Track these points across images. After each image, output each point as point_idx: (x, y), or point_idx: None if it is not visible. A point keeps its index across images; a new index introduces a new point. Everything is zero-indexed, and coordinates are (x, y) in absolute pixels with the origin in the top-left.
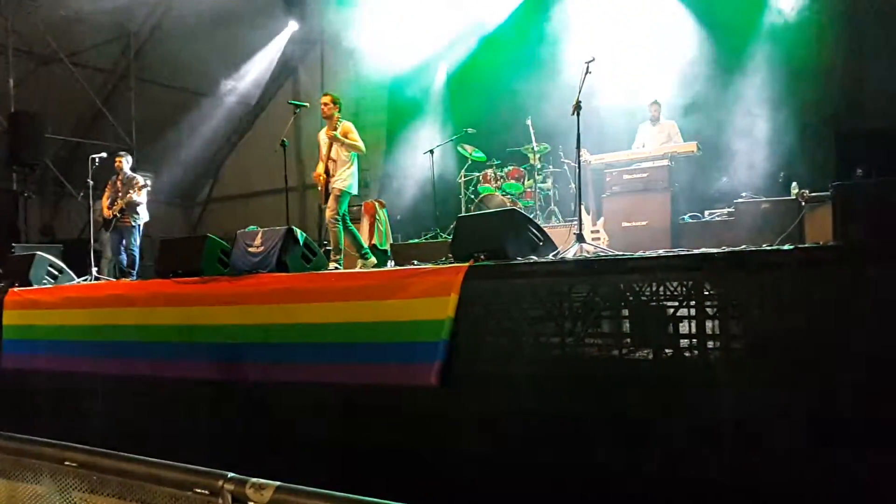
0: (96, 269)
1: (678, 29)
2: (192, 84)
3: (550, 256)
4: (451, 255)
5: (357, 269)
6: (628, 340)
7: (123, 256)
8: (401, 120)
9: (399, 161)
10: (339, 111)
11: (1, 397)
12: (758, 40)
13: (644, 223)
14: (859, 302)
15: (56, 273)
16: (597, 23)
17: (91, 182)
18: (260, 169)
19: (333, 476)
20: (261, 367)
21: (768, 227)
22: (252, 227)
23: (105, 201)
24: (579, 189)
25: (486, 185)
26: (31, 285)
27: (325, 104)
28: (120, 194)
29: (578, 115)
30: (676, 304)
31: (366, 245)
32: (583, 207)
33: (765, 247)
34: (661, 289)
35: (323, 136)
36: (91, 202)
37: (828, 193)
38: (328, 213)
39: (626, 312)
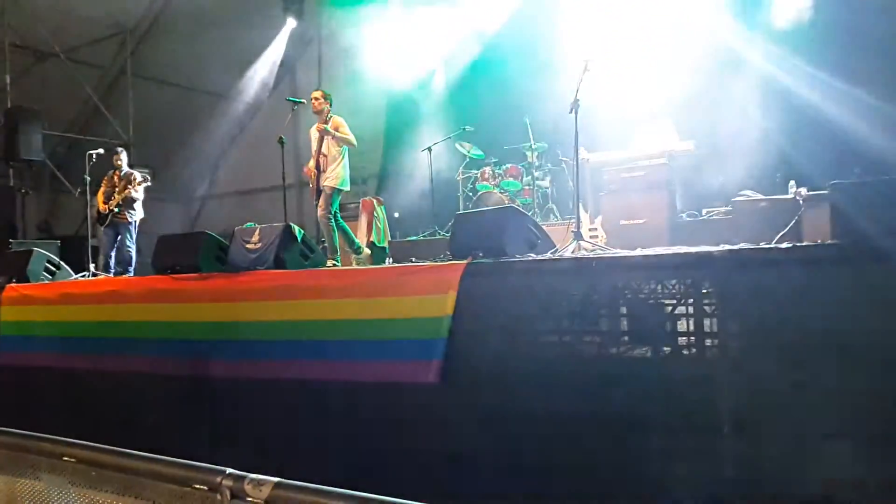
0: (94, 265)
1: (676, 26)
2: (190, 81)
3: (549, 254)
4: (449, 253)
5: (353, 266)
6: (626, 338)
7: (114, 252)
8: (399, 117)
9: (397, 158)
10: (330, 106)
11: None
12: (758, 37)
13: (642, 221)
14: (857, 300)
15: (53, 269)
16: (595, 20)
17: (88, 178)
18: (258, 166)
19: (332, 473)
20: (258, 364)
21: (766, 226)
22: (250, 223)
23: (101, 196)
24: (577, 187)
25: (485, 182)
26: (28, 281)
27: (316, 99)
28: (117, 189)
29: (577, 113)
30: (674, 302)
31: (358, 240)
32: (581, 205)
33: (763, 245)
34: (659, 287)
35: (314, 132)
36: (89, 198)
37: (826, 192)
38: (320, 212)
39: (624, 310)
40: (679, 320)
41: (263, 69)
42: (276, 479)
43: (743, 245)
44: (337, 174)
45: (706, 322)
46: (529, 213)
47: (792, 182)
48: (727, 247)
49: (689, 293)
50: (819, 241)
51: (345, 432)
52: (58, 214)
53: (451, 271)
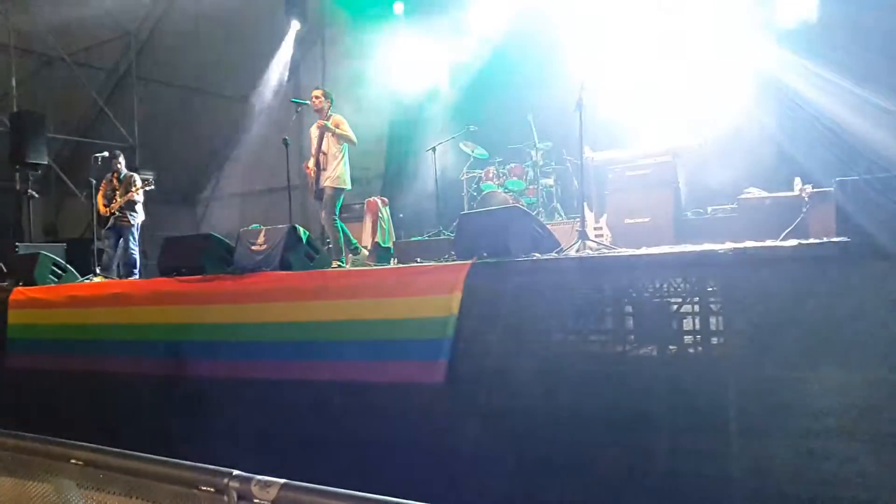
0: (99, 267)
1: (681, 24)
2: (194, 82)
3: (553, 254)
4: (453, 253)
5: (349, 266)
6: (632, 337)
7: (118, 255)
8: (403, 117)
9: (401, 159)
10: (331, 104)
11: (7, 396)
12: (763, 35)
13: (647, 220)
14: (864, 297)
15: (60, 272)
16: (600, 19)
17: (94, 181)
18: (262, 167)
19: (338, 474)
20: (264, 365)
21: (772, 223)
22: (255, 225)
23: (100, 199)
24: (582, 186)
25: (489, 182)
26: (35, 284)
27: (316, 97)
28: (118, 193)
29: (581, 111)
30: (680, 300)
31: (355, 240)
32: (585, 204)
33: (768, 243)
34: (665, 285)
35: (314, 130)
36: (94, 201)
37: (831, 189)
38: (324, 214)
39: (629, 309)
40: (685, 319)
41: (267, 71)
42: (283, 481)
43: (748, 243)
44: (337, 173)
45: (712, 320)
46: (534, 213)
47: (797, 179)
48: (733, 245)
49: (694, 291)
50: (825, 238)
51: (350, 433)
52: (63, 217)
53: (456, 271)
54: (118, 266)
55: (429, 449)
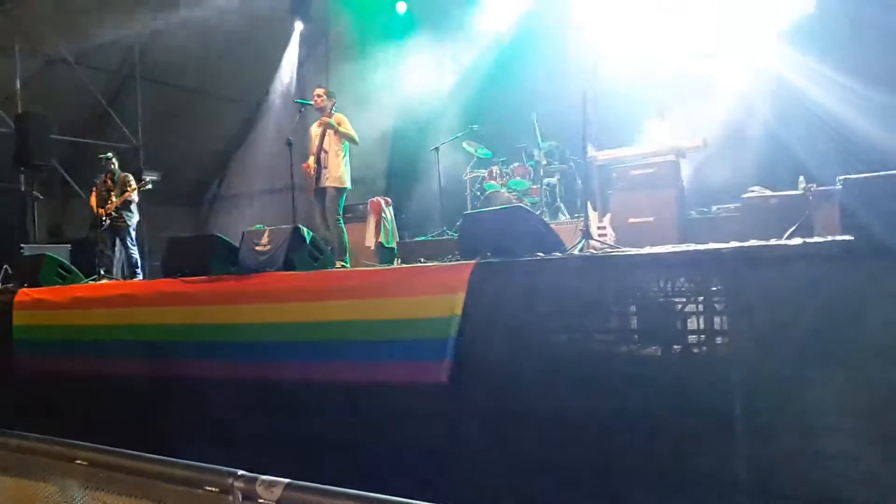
0: (104, 268)
1: (686, 23)
2: (198, 83)
3: (557, 253)
4: (457, 253)
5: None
6: (636, 337)
7: (117, 256)
8: (406, 117)
9: (405, 159)
10: (334, 103)
11: (12, 397)
12: (767, 33)
13: (651, 219)
14: (869, 296)
15: (65, 273)
16: (604, 17)
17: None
18: (266, 168)
19: (342, 475)
20: (267, 365)
21: (776, 222)
22: (259, 225)
23: (94, 201)
24: (585, 185)
25: (492, 182)
26: (40, 286)
27: (318, 96)
28: (114, 193)
29: (585, 110)
30: (684, 300)
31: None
32: (589, 204)
33: (773, 241)
34: (669, 285)
35: (315, 129)
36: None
37: (835, 187)
38: (328, 214)
39: (633, 309)
40: (689, 318)
41: (271, 71)
42: (287, 481)
43: (753, 242)
44: (338, 172)
45: (716, 320)
46: (537, 212)
47: (801, 178)
48: (737, 244)
49: (698, 291)
50: (829, 236)
51: (353, 433)
52: (68, 218)
53: (460, 271)
54: (123, 267)
55: (432, 449)
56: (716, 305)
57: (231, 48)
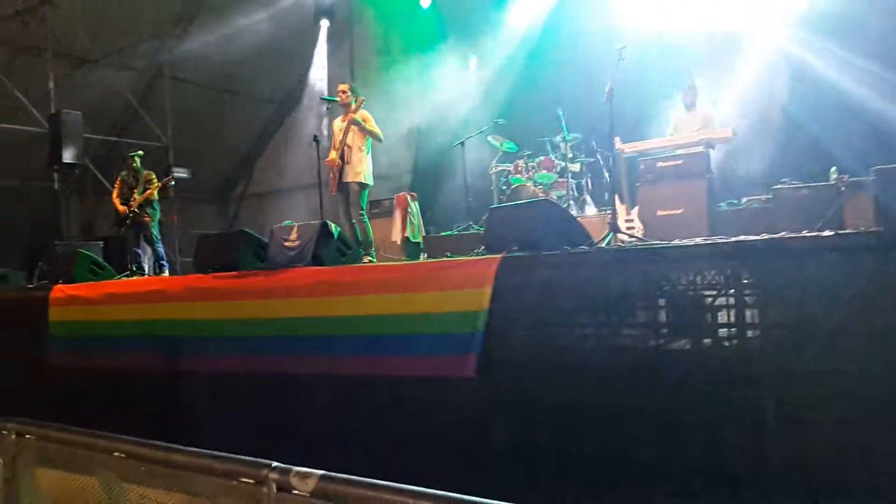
0: (135, 265)
1: (712, 15)
2: (226, 82)
3: (584, 247)
4: (483, 247)
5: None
6: (665, 331)
7: (142, 251)
8: (431, 112)
9: (430, 153)
10: (360, 100)
11: (50, 392)
12: (795, 24)
13: (679, 211)
14: None
15: (98, 270)
16: (630, 10)
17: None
18: (292, 165)
19: (371, 467)
20: (297, 359)
21: (807, 214)
22: (288, 221)
23: (116, 199)
24: (613, 178)
25: (518, 175)
26: (74, 282)
27: (343, 91)
28: (136, 191)
29: (611, 102)
30: (714, 293)
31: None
32: (616, 197)
33: (804, 233)
34: (699, 278)
35: (338, 123)
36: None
37: (868, 178)
38: (352, 210)
39: (662, 302)
40: (720, 312)
41: (298, 70)
42: (321, 472)
43: (784, 233)
44: (361, 168)
45: (747, 313)
46: (564, 206)
47: (833, 169)
48: (768, 235)
49: (729, 284)
50: (861, 228)
51: (382, 427)
52: (100, 216)
53: (487, 265)
54: (147, 262)
55: (460, 442)
56: (747, 298)
57: (258, 47)
